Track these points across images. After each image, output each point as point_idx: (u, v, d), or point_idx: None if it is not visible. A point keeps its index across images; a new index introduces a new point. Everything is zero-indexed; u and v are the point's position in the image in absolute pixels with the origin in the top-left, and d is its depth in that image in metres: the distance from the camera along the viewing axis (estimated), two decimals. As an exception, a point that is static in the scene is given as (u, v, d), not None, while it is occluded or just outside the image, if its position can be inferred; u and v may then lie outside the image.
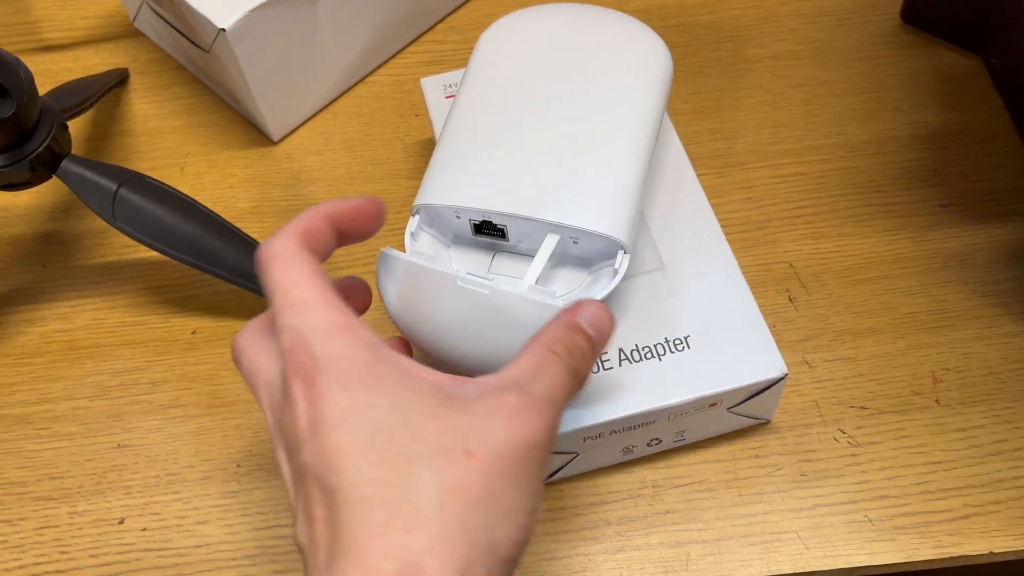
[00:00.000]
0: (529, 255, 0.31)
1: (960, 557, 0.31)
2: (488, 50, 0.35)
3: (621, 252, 0.30)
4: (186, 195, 0.36)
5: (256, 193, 0.42)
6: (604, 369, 0.31)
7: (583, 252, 0.31)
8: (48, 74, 0.47)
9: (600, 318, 0.26)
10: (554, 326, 0.25)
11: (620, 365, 0.31)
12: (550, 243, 0.30)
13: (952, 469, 0.33)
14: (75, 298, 0.40)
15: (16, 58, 0.31)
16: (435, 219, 0.31)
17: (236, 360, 0.26)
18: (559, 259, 0.31)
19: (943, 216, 0.38)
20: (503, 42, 0.35)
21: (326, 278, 0.24)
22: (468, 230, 0.31)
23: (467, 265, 0.32)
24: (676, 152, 0.36)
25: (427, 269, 0.28)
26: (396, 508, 0.20)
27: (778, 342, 0.35)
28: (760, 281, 0.37)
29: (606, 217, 0.30)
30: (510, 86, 0.33)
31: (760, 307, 0.36)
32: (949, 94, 0.42)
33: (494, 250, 0.32)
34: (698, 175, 0.40)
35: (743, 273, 0.37)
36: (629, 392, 0.31)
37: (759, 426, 0.34)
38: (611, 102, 0.32)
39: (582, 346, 0.25)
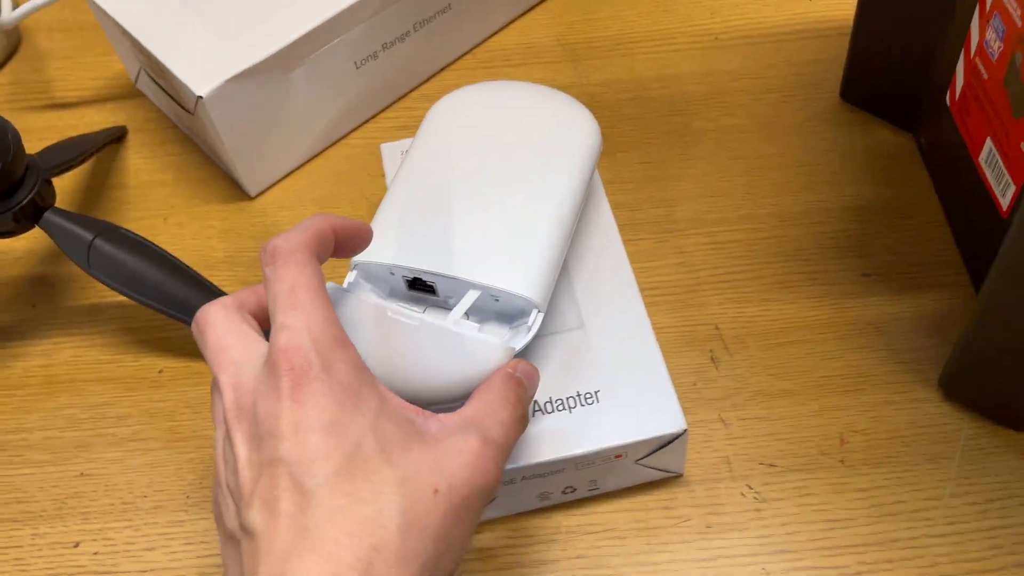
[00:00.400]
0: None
1: (850, 612, 0.33)
2: (434, 122, 0.38)
3: (535, 311, 0.32)
4: (157, 246, 0.39)
5: (231, 244, 0.46)
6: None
7: (504, 308, 0.33)
8: (54, 130, 0.51)
9: (531, 373, 0.30)
10: (500, 376, 0.28)
11: (533, 416, 0.34)
12: (469, 298, 0.33)
13: (850, 527, 0.34)
14: (58, 336, 0.43)
15: (4, 120, 0.35)
16: (371, 275, 0.34)
17: (199, 331, 0.27)
18: (484, 314, 0.34)
19: (865, 285, 0.41)
20: (449, 115, 0.38)
21: (326, 289, 0.26)
22: (403, 286, 0.34)
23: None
24: (606, 219, 0.39)
25: (362, 300, 0.32)
26: (367, 523, 0.23)
27: (696, 400, 0.38)
28: (685, 341, 0.40)
29: (522, 279, 0.33)
30: (450, 156, 0.36)
31: (683, 366, 0.39)
32: (881, 170, 0.44)
33: (426, 304, 0.35)
34: (637, 240, 0.43)
35: (670, 334, 0.40)
36: (540, 442, 0.33)
37: (672, 479, 0.36)
38: (538, 173, 0.35)
39: (524, 397, 0.28)
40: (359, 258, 0.34)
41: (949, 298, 0.40)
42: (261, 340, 0.27)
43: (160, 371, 0.41)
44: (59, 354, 0.42)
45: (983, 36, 0.35)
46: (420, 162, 0.37)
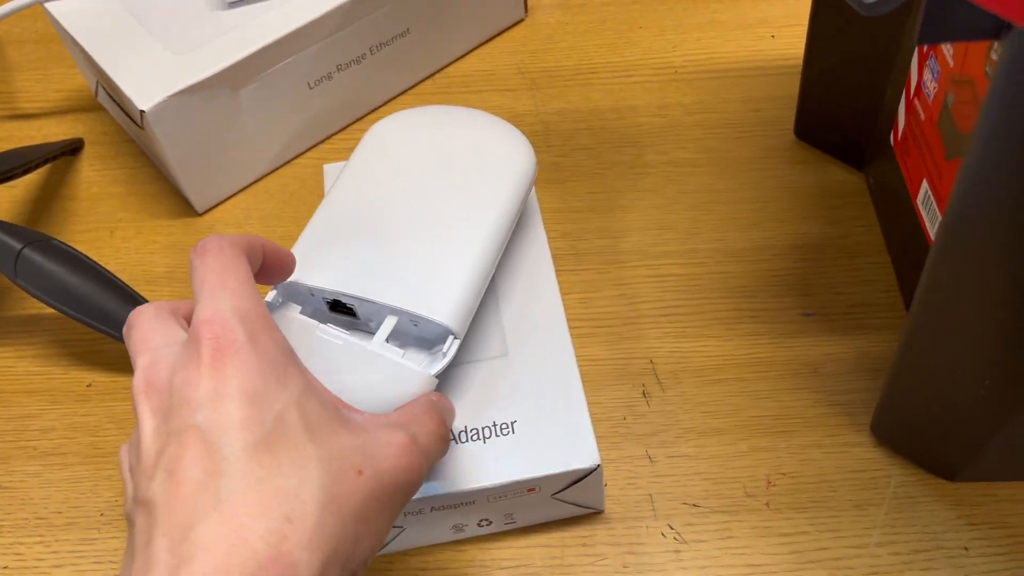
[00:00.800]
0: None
1: (763, 661, 0.31)
2: (369, 144, 0.38)
3: (451, 337, 0.32)
4: (88, 258, 0.39)
5: (173, 260, 0.45)
6: (431, 447, 0.33)
7: (423, 333, 0.33)
8: (13, 139, 0.51)
9: (450, 408, 0.30)
10: (424, 397, 0.29)
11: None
12: (389, 323, 0.32)
13: (771, 572, 0.33)
14: (-10, 346, 0.43)
15: (-66, 127, 0.35)
16: (293, 294, 0.34)
17: (128, 328, 0.26)
18: (405, 338, 0.33)
19: (805, 325, 0.40)
20: (383, 137, 0.38)
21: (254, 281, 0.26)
22: (324, 307, 0.34)
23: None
24: (540, 246, 0.38)
25: (289, 316, 0.32)
26: (284, 496, 0.21)
27: (625, 435, 0.37)
28: (619, 375, 0.39)
29: (440, 304, 0.32)
30: (381, 178, 0.36)
31: (614, 400, 0.38)
32: (830, 208, 0.44)
33: (348, 327, 0.34)
34: (579, 270, 0.43)
35: (604, 367, 0.39)
36: (452, 471, 0.32)
37: (592, 515, 0.35)
38: (468, 198, 0.35)
39: (446, 420, 0.28)
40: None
41: (889, 340, 0.39)
42: (185, 332, 0.26)
43: (88, 385, 0.41)
44: (-10, 364, 0.42)
45: (921, 77, 0.35)
46: (350, 183, 0.36)
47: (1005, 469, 0.34)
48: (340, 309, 0.34)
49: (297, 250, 0.34)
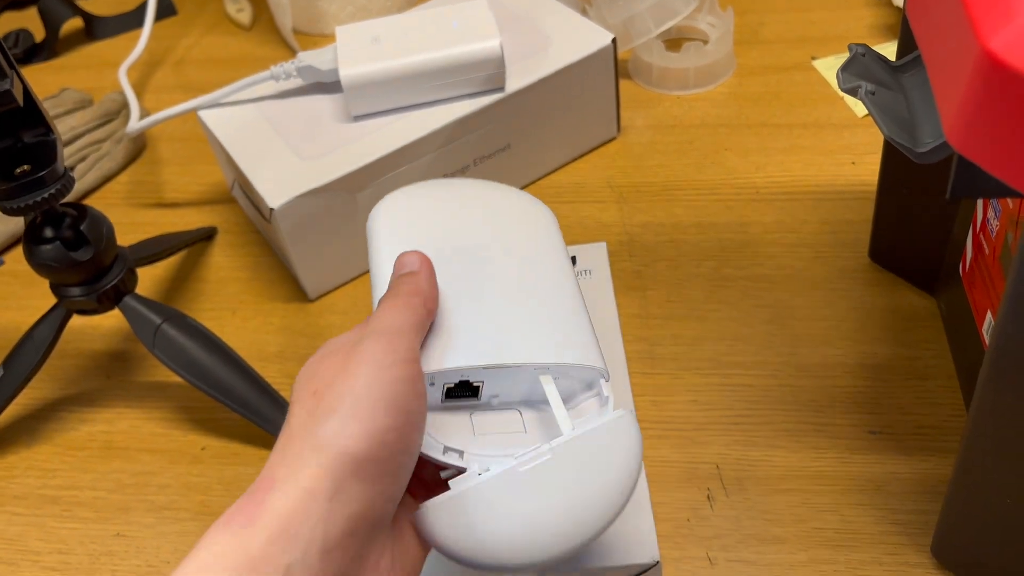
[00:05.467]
0: (504, 409, 0.32)
1: None
2: (385, 226, 0.36)
3: (603, 380, 0.32)
4: (215, 336, 0.44)
5: (285, 340, 0.50)
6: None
7: (561, 391, 0.32)
8: (156, 226, 0.58)
9: (413, 258, 0.32)
10: (389, 286, 0.32)
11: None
12: (549, 385, 0.31)
13: None
14: (122, 407, 0.48)
15: (102, 215, 0.41)
16: None
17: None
18: (538, 405, 0.32)
19: (871, 442, 0.41)
20: (397, 216, 0.37)
21: None
22: (438, 399, 0.32)
23: (448, 434, 0.31)
24: (616, 347, 0.41)
25: (482, 482, 0.29)
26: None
27: (688, 536, 0.39)
28: (685, 477, 0.41)
29: (580, 349, 0.32)
30: (432, 249, 0.33)
31: (679, 501, 0.40)
32: (901, 331, 0.45)
33: (469, 411, 0.32)
34: (653, 374, 0.45)
35: (672, 468, 0.41)
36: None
37: (651, 611, 0.37)
38: (527, 253, 0.35)
39: (408, 280, 0.31)
40: None
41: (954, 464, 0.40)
42: None
43: (203, 448, 0.46)
44: (120, 423, 0.47)
45: (986, 214, 0.37)
46: (405, 246, 0.34)
47: (1067, 602, 0.34)
48: (459, 394, 0.32)
49: None
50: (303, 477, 0.25)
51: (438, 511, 0.29)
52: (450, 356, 0.31)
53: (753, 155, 0.56)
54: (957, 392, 0.42)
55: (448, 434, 0.31)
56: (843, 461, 0.41)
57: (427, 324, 0.31)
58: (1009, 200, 0.34)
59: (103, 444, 0.46)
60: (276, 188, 0.48)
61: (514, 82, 0.52)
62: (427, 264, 0.32)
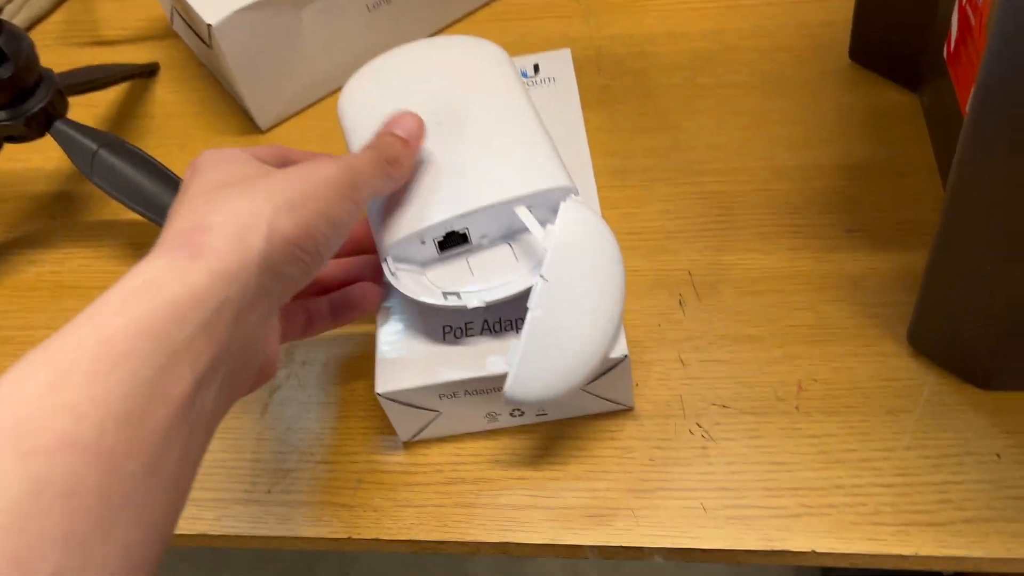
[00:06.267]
0: (496, 246, 0.35)
1: (783, 552, 0.32)
2: (355, 103, 0.38)
3: (572, 196, 0.33)
4: (158, 161, 0.42)
5: (238, 173, 0.48)
6: (467, 335, 0.34)
7: (541, 215, 0.34)
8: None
9: (411, 124, 0.33)
10: (376, 136, 0.33)
11: (481, 333, 0.34)
12: (524, 214, 0.33)
13: (795, 471, 0.34)
14: (71, 247, 0.46)
15: (20, 31, 0.38)
16: (403, 255, 0.34)
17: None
18: (525, 234, 0.35)
19: (848, 240, 0.40)
20: (365, 92, 0.38)
21: None
22: (434, 252, 0.34)
23: (449, 281, 0.34)
24: (583, 158, 0.39)
25: (524, 338, 0.31)
26: None
27: (659, 340, 0.38)
28: (657, 284, 0.40)
29: (548, 173, 0.34)
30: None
31: (650, 308, 0.39)
32: (881, 129, 0.43)
33: (465, 256, 0.35)
34: (624, 186, 0.43)
35: (643, 277, 0.40)
36: (481, 358, 0.34)
37: (622, 412, 0.36)
38: (484, 98, 0.36)
39: (395, 144, 0.32)
40: (387, 244, 0.33)
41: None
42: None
43: (157, 283, 0.44)
44: (70, 262, 0.45)
45: (973, -20, 0.34)
46: (368, 133, 0.34)
47: (1044, 378, 0.33)
48: (451, 243, 0.34)
49: (380, 216, 0.34)
50: (242, 232, 0.25)
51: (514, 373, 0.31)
52: (429, 213, 0.33)
53: (728, -40, 0.52)
54: (938, 185, 0.41)
55: (448, 281, 0.34)
56: (819, 260, 0.39)
57: (389, 191, 0.33)
58: (999, -45, 0.31)
59: (53, 284, 0.45)
60: (214, 4, 0.44)
61: None
62: (419, 137, 0.34)
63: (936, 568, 0.32)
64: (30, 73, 0.38)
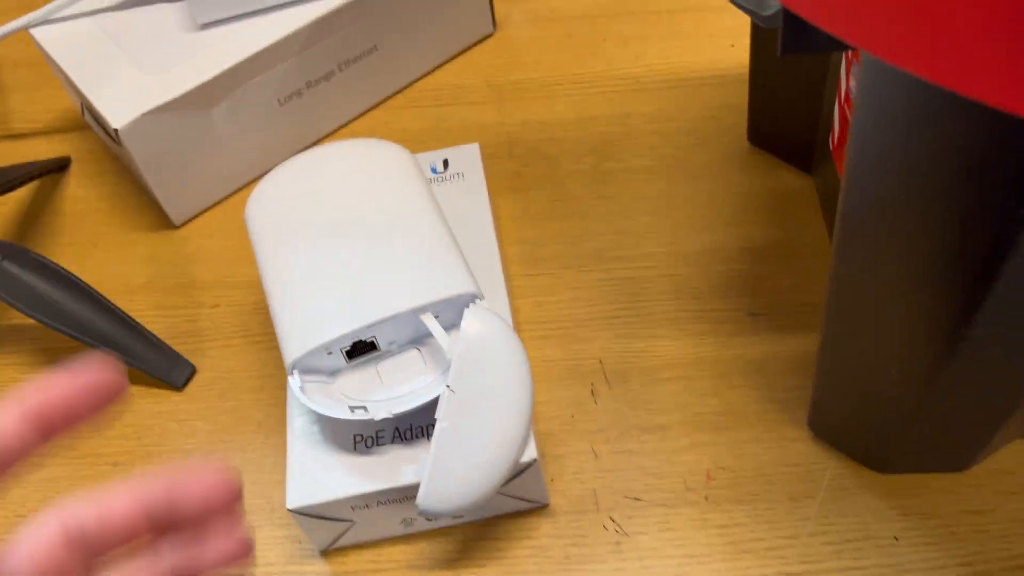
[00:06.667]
0: (404, 351, 0.35)
1: (695, 647, 0.33)
2: (261, 212, 0.38)
3: (477, 300, 0.34)
4: (64, 270, 0.41)
5: (152, 270, 0.47)
6: (378, 443, 0.34)
7: (447, 320, 0.35)
8: (3, 159, 0.54)
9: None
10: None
11: (392, 442, 0.34)
12: (431, 322, 0.34)
13: (706, 563, 0.35)
14: (-23, 354, 0.45)
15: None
16: (310, 366, 0.34)
17: None
18: (411, 348, 0.35)
19: (751, 324, 0.41)
20: (270, 200, 0.39)
21: None
22: (342, 361, 0.34)
23: (358, 390, 0.34)
24: (490, 249, 0.40)
25: (433, 454, 0.31)
26: None
27: (572, 432, 0.38)
28: (569, 374, 0.40)
29: (453, 279, 0.34)
30: (300, 229, 0.37)
31: (564, 399, 0.40)
32: (780, 212, 0.45)
33: (375, 363, 0.35)
34: (536, 275, 0.44)
35: (556, 367, 0.41)
36: (393, 468, 0.34)
37: (539, 509, 0.37)
38: (386, 203, 0.37)
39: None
40: (292, 357, 0.33)
41: (831, 339, 0.40)
42: None
43: (68, 390, 0.43)
44: (-24, 371, 0.44)
45: (848, 83, 0.36)
46: (277, 250, 0.36)
47: (933, 460, 0.35)
48: (359, 352, 0.34)
49: (285, 328, 0.34)
50: None
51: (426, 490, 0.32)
52: (335, 324, 0.33)
53: (632, 44, 0.54)
54: (833, 268, 0.42)
55: (357, 390, 0.34)
56: (723, 345, 0.41)
57: None
58: (868, 66, 0.33)
59: (-41, 395, 0.43)
60: (120, 107, 0.44)
61: (373, -23, 0.48)
62: None
63: (842, 653, 0.33)
64: (-73, 190, 0.38)
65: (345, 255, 0.35)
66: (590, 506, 0.36)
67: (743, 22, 0.54)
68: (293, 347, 0.34)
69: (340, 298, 0.34)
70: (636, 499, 0.36)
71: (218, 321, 0.45)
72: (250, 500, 0.38)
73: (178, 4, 0.49)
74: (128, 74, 0.46)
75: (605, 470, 0.37)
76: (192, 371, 0.43)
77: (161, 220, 0.49)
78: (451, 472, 0.32)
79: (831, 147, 0.40)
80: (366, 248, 0.35)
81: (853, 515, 0.35)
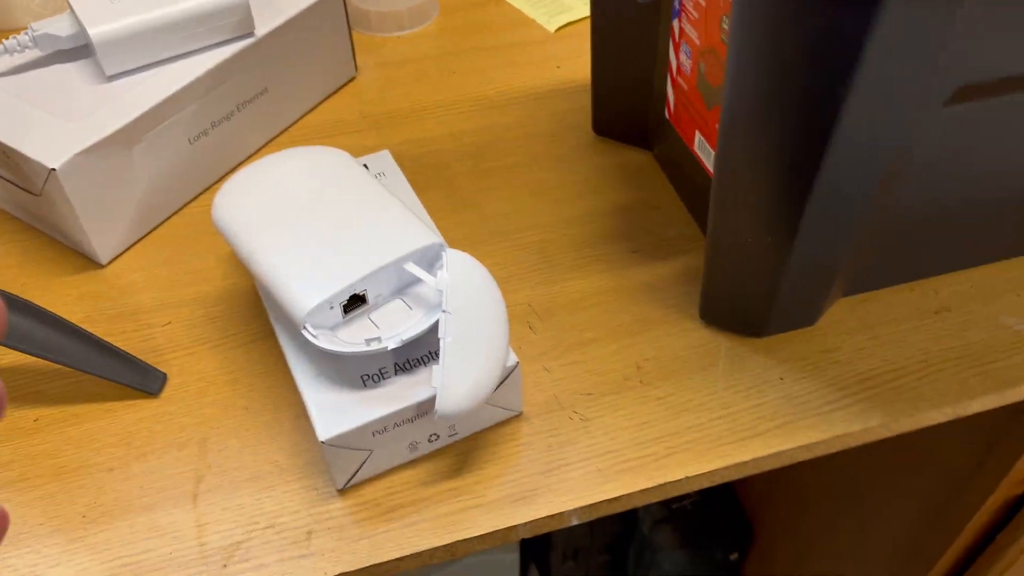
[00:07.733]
0: (389, 302, 0.41)
1: (664, 485, 0.41)
2: (230, 210, 0.44)
3: (445, 249, 0.41)
4: (23, 298, 0.43)
5: (89, 306, 0.50)
6: (384, 378, 0.41)
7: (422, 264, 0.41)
8: None
9: None
10: None
11: (396, 374, 0.41)
12: (415, 268, 0.41)
13: (655, 425, 0.44)
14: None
15: None
16: (316, 321, 0.39)
17: None
18: (408, 289, 0.42)
19: (635, 258, 0.52)
20: (238, 199, 0.44)
21: None
22: (340, 315, 0.40)
23: (360, 337, 0.40)
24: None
25: (443, 362, 0.38)
26: None
27: (524, 357, 0.46)
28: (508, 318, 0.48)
29: (424, 233, 0.41)
30: (278, 213, 0.43)
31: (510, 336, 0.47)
32: (633, 179, 0.57)
33: (366, 314, 0.41)
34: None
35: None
36: (403, 393, 0.40)
37: (515, 417, 0.44)
38: (345, 186, 0.44)
39: None
40: (303, 311, 0.38)
41: (696, 259, 0.52)
42: None
43: (36, 419, 0.44)
44: (-74, 422, 0.44)
45: (678, 60, 0.49)
46: (259, 227, 0.42)
47: (791, 320, 0.47)
48: (353, 305, 0.40)
49: (289, 288, 0.39)
50: None
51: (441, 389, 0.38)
52: (335, 281, 0.39)
53: (478, 74, 0.65)
54: (683, 210, 0.54)
55: (359, 336, 0.40)
56: (620, 276, 0.51)
57: None
58: (696, 40, 0.46)
59: (-87, 447, 0.43)
60: (51, 151, 0.47)
61: (261, 27, 0.55)
62: None
63: (765, 467, 0.43)
64: None
65: (326, 227, 0.42)
66: (555, 407, 0.44)
67: (563, 48, 0.67)
68: (303, 303, 0.39)
69: (334, 259, 0.40)
70: (588, 394, 0.45)
71: (174, 336, 0.48)
72: (261, 467, 0.42)
73: (79, 62, 0.53)
74: (50, 123, 0.49)
75: (558, 379, 0.46)
76: (165, 378, 0.46)
77: (83, 263, 0.52)
78: (460, 378, 0.39)
79: (668, 117, 0.53)
80: (343, 219, 0.42)
81: (748, 370, 0.46)
